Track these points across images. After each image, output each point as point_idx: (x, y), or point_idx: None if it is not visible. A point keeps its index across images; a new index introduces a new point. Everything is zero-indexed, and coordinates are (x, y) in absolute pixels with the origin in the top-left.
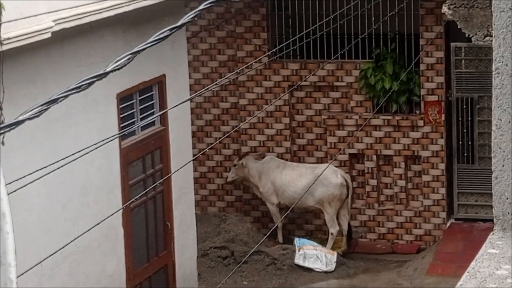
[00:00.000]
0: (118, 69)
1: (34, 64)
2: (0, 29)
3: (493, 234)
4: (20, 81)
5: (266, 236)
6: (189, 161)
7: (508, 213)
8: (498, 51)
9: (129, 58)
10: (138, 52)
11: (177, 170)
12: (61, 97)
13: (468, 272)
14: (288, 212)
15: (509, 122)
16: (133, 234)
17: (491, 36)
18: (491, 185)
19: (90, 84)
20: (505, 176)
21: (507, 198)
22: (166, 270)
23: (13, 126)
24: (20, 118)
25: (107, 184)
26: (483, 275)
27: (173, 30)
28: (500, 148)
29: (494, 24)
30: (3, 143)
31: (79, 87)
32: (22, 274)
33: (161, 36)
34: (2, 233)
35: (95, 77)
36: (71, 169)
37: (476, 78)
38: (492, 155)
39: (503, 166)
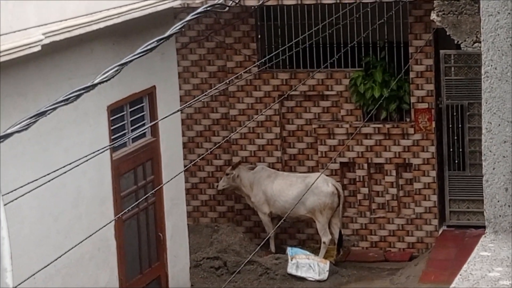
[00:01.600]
0: (106, 80)
1: (25, 77)
2: None
3: (485, 236)
4: (11, 94)
5: (259, 247)
6: (180, 172)
7: (500, 215)
8: (487, 54)
9: (117, 70)
10: (126, 63)
11: (169, 181)
12: (49, 110)
13: (460, 275)
14: (281, 222)
15: (499, 125)
16: (125, 245)
17: (480, 42)
18: (482, 192)
19: (78, 96)
20: (496, 179)
21: (498, 201)
22: (159, 281)
23: (2, 140)
24: (9, 131)
25: (99, 196)
26: (475, 278)
27: (161, 41)
28: (490, 151)
29: (482, 28)
30: None
31: (67, 99)
32: (15, 287)
33: (149, 47)
34: None
35: (83, 89)
36: (63, 182)
37: (466, 85)
38: (483, 158)
39: (493, 169)
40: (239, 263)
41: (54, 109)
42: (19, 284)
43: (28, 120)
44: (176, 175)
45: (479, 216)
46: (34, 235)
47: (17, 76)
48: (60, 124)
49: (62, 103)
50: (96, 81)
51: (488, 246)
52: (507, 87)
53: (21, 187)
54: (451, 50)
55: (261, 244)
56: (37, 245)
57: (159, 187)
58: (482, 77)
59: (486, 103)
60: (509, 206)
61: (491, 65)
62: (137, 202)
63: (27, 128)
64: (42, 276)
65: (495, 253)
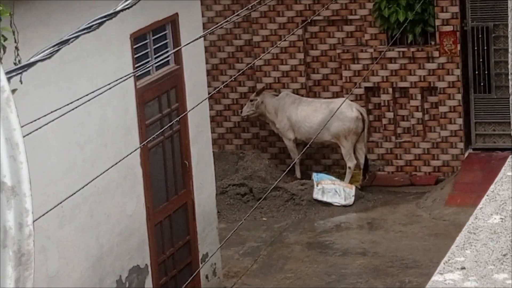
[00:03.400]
0: (128, 7)
1: (46, 6)
2: None
3: None
4: (34, 24)
5: (284, 173)
6: (205, 99)
7: None
8: None
9: None
10: None
11: (193, 108)
12: (72, 38)
13: (487, 196)
14: (306, 148)
15: None
16: (151, 173)
17: None
18: (508, 114)
19: (100, 24)
20: None
21: None
22: (186, 208)
23: (26, 68)
24: (33, 59)
25: (124, 125)
26: (502, 198)
27: None
28: None
29: None
30: (21, 82)
31: (90, 27)
32: (43, 215)
33: None
34: (16, 163)
35: (105, 16)
36: (88, 110)
37: (491, 6)
38: (510, 77)
39: None
40: (264, 190)
41: (77, 37)
42: (47, 212)
43: (51, 49)
44: (201, 102)
45: (505, 138)
46: (61, 164)
47: (39, 5)
48: (83, 53)
49: (84, 31)
50: (118, 8)
51: None
52: None
53: (45, 115)
54: None
55: (286, 170)
56: (64, 174)
57: (184, 114)
58: None
59: None
60: None
61: None
62: (162, 130)
63: (51, 57)
64: (70, 204)
65: None
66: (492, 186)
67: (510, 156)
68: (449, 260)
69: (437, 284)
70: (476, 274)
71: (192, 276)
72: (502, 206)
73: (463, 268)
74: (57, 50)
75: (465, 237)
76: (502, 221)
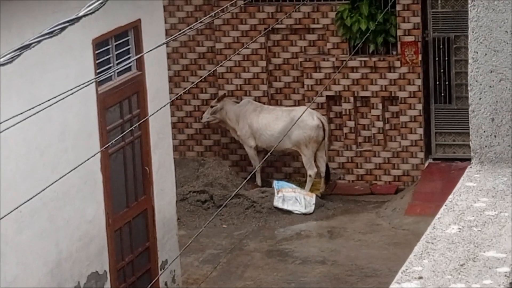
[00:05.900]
0: (91, 13)
1: (8, 10)
2: None
3: (471, 167)
4: None
5: (246, 180)
6: (166, 104)
7: (486, 146)
8: None
9: (101, 2)
10: None
11: (154, 113)
12: (34, 42)
13: (446, 206)
14: (267, 156)
15: (486, 54)
16: (112, 179)
17: None
18: (468, 125)
19: (63, 29)
20: (482, 109)
21: (484, 132)
22: (146, 215)
23: None
24: None
25: (85, 130)
26: (461, 208)
27: None
28: (477, 81)
29: None
30: None
31: (52, 32)
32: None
33: None
34: None
35: (68, 21)
36: (49, 115)
37: (453, 17)
38: (469, 88)
39: (480, 99)
40: (225, 197)
41: (39, 41)
42: (5, 216)
43: (13, 53)
44: (162, 107)
45: (465, 149)
46: (21, 169)
47: (1, 9)
48: (45, 58)
49: (46, 36)
50: (80, 14)
51: (474, 176)
52: (493, 16)
53: (6, 120)
54: None
55: (247, 177)
56: (24, 179)
57: (145, 119)
58: (469, 5)
59: (473, 32)
60: (495, 136)
61: None
62: (122, 134)
63: (12, 61)
64: (29, 209)
65: (480, 184)
66: (450, 196)
67: (469, 166)
68: (406, 269)
69: None
70: (433, 283)
71: (152, 283)
72: (460, 216)
73: (420, 277)
74: (19, 55)
75: (423, 247)
76: (460, 231)
